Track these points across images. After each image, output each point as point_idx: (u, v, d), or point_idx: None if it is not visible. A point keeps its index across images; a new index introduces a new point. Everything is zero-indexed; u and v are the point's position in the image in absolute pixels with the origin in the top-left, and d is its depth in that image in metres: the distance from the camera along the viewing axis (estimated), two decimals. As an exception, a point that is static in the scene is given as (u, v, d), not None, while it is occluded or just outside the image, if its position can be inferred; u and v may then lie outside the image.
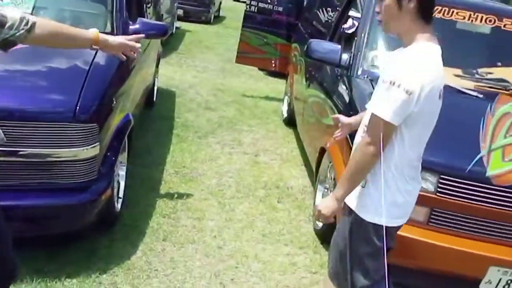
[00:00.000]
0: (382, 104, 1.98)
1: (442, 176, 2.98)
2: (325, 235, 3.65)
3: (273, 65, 7.45)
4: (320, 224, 3.75)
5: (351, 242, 2.28)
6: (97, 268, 2.98)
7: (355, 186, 2.15)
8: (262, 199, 4.23)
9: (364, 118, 2.25)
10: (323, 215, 2.20)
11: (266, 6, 7.08)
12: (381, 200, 2.09)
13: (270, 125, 6.24)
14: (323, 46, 3.90)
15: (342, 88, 3.86)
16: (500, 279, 3.03)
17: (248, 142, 5.51)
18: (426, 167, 2.99)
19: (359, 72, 3.71)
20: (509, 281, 3.04)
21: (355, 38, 3.93)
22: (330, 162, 3.78)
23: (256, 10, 7.09)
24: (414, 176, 2.28)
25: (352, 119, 2.63)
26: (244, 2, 7.36)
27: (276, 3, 7.08)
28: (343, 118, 2.65)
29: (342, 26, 4.26)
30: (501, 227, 3.02)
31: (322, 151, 3.94)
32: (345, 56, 3.84)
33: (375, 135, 2.02)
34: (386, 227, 2.14)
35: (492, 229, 3.03)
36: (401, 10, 2.02)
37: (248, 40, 7.23)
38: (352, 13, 4.54)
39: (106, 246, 3.20)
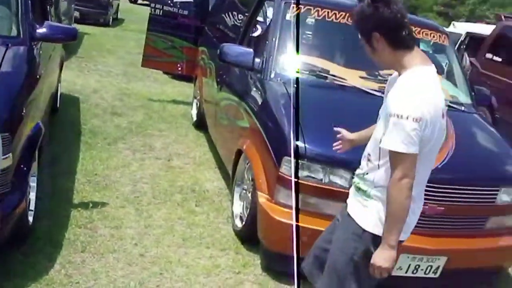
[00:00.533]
0: (396, 138, 2.03)
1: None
2: (245, 235, 3.73)
3: (180, 68, 7.42)
4: (239, 225, 3.81)
5: (348, 253, 2.28)
6: (14, 286, 2.81)
7: (403, 224, 2.14)
8: (180, 203, 4.22)
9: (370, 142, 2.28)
10: (386, 269, 2.16)
11: (171, 9, 7.03)
12: (373, 210, 2.19)
13: (181, 129, 6.21)
14: (236, 50, 3.98)
15: (256, 91, 3.96)
16: (410, 265, 3.28)
17: (159, 147, 5.45)
18: (341, 164, 3.19)
19: (272, 75, 3.83)
20: (417, 266, 3.30)
21: (266, 42, 4.04)
22: (248, 164, 3.86)
23: (161, 14, 7.03)
24: (420, 196, 2.33)
25: (355, 136, 2.62)
26: (142, 4, 7.25)
27: (180, 6, 7.06)
28: (346, 133, 2.63)
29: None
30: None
31: (239, 153, 4.01)
32: (257, 60, 3.94)
33: (403, 168, 2.05)
34: (376, 235, 2.19)
35: (401, 219, 3.27)
36: (377, 50, 2.14)
37: (154, 44, 7.14)
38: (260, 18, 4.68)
39: (21, 262, 3.03)
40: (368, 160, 2.26)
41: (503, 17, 8.21)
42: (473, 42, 8.87)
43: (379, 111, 2.30)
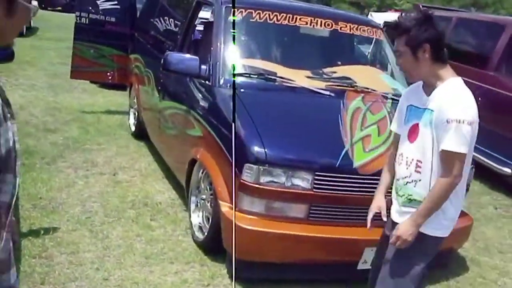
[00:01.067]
0: (458, 141, 2.27)
1: (316, 173, 3.20)
2: (208, 246, 3.66)
3: (110, 77, 7.17)
4: (200, 236, 3.75)
5: (408, 258, 2.50)
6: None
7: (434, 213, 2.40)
8: (134, 219, 4.08)
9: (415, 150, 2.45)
10: (405, 240, 2.40)
11: (97, 17, 6.77)
12: (440, 216, 2.42)
13: (120, 141, 6.02)
14: (181, 58, 3.89)
15: (205, 99, 3.90)
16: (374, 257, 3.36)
17: (102, 162, 5.24)
18: (302, 167, 3.21)
19: (221, 82, 3.78)
20: (380, 258, 3.39)
21: (211, 48, 3.99)
22: (203, 173, 3.80)
23: (87, 22, 6.74)
24: (463, 193, 2.58)
25: (383, 192, 2.76)
26: (54, 10, 6.92)
27: (107, 13, 6.81)
28: (381, 205, 2.71)
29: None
30: (367, 210, 3.34)
31: (192, 162, 3.94)
32: (203, 67, 3.88)
33: (459, 167, 2.32)
34: (438, 237, 2.50)
35: (361, 213, 3.34)
36: (419, 60, 2.33)
37: (82, 54, 6.85)
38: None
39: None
40: (418, 166, 2.43)
41: (420, 6, 8.59)
42: (391, 31, 9.19)
43: (416, 124, 2.45)
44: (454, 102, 2.30)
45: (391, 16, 11.32)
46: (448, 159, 2.32)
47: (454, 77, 2.39)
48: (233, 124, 3.15)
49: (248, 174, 3.20)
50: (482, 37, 6.94)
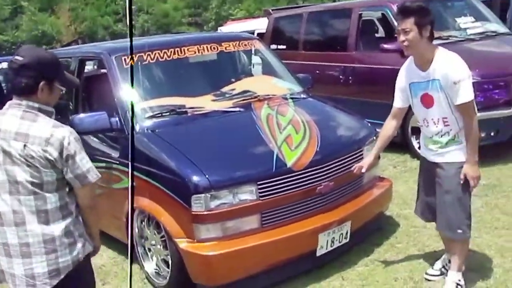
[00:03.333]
0: (468, 92, 3.08)
1: (258, 183, 3.42)
2: (176, 286, 3.68)
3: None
4: (163, 281, 3.75)
5: (458, 188, 3.22)
6: None
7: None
8: None
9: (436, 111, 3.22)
10: (478, 177, 3.21)
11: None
12: (464, 146, 3.20)
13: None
14: (88, 118, 3.84)
15: (126, 149, 3.91)
16: (327, 241, 3.67)
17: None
18: (244, 181, 3.41)
19: (137, 129, 3.82)
20: (333, 239, 3.71)
21: (115, 100, 4.01)
22: (144, 220, 3.80)
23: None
24: None
25: (375, 154, 3.67)
26: None
27: None
28: (367, 162, 3.60)
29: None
30: (311, 201, 3.65)
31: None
32: (113, 119, 3.89)
33: (474, 109, 3.16)
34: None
35: (307, 205, 3.64)
36: (422, 37, 3.08)
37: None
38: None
39: None
40: (444, 121, 3.21)
41: (271, 11, 9.21)
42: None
43: (425, 93, 3.23)
44: (452, 67, 3.09)
45: (245, 26, 11.98)
46: (466, 108, 3.12)
47: (438, 47, 3.19)
48: (129, 163, 3.28)
49: (198, 205, 3.32)
50: (335, 24, 7.65)
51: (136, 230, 3.96)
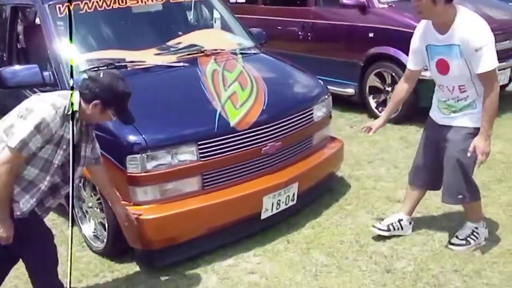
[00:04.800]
0: (489, 61, 2.87)
1: (199, 143, 3.23)
2: (110, 251, 3.50)
3: None
4: (100, 245, 3.56)
5: (462, 154, 3.07)
6: None
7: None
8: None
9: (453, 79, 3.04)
10: (488, 152, 2.99)
11: None
12: (479, 112, 3.02)
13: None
14: (18, 71, 3.55)
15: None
16: (273, 203, 3.55)
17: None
18: (183, 141, 3.22)
19: (71, 83, 3.54)
20: (278, 201, 3.58)
21: (47, 51, 3.71)
22: (80, 181, 3.59)
23: None
24: None
25: (385, 118, 3.47)
26: None
27: None
28: (376, 124, 3.45)
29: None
30: (257, 162, 3.50)
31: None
32: (46, 73, 3.60)
33: (496, 78, 2.96)
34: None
35: (251, 167, 3.48)
36: (436, 4, 2.84)
37: None
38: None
39: None
40: (461, 89, 3.03)
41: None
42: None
43: (441, 59, 3.04)
44: (473, 32, 2.86)
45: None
46: (487, 77, 2.92)
47: (459, 9, 2.92)
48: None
49: (134, 165, 3.12)
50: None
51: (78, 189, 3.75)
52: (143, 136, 3.12)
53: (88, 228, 3.73)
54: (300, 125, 3.73)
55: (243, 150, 3.38)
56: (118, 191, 3.24)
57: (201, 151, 3.24)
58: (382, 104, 6.15)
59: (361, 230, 3.69)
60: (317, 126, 3.96)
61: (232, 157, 3.36)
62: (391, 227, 3.52)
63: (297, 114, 3.72)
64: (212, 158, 3.28)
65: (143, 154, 3.11)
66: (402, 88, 3.38)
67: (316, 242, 3.58)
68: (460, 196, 3.21)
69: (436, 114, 3.29)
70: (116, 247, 3.46)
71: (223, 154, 3.32)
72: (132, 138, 3.12)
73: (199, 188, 3.31)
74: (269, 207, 3.54)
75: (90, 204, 3.65)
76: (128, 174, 3.14)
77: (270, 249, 3.53)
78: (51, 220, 4.25)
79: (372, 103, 6.28)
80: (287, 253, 3.47)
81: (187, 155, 3.23)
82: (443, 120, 3.22)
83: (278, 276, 3.23)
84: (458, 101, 3.11)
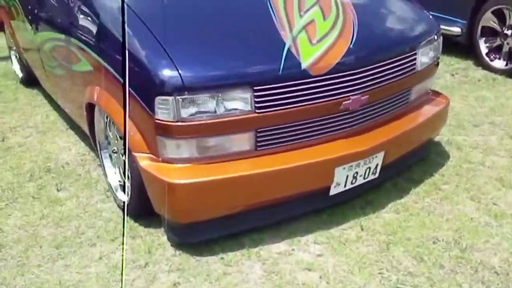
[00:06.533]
0: None
1: (255, 88, 2.32)
2: (135, 209, 2.77)
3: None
4: (124, 199, 2.86)
5: None
6: None
7: None
8: (36, 195, 3.13)
9: None
10: None
11: None
12: None
13: (6, 93, 4.87)
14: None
15: (85, 18, 2.84)
16: (347, 176, 2.64)
17: (-17, 127, 4.15)
18: (234, 83, 2.32)
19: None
20: (355, 174, 2.68)
21: None
22: (107, 118, 2.87)
23: None
24: None
25: None
26: None
27: None
28: None
29: None
30: (332, 120, 2.57)
31: (90, 107, 2.97)
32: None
33: None
34: None
35: (324, 126, 2.56)
36: None
37: None
38: None
39: None
40: None
41: None
42: None
43: None
44: None
45: None
46: None
47: None
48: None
49: (164, 110, 2.28)
50: None
51: (100, 128, 3.02)
52: (180, 71, 2.25)
53: (114, 175, 3.02)
54: (397, 74, 2.73)
55: (316, 103, 2.44)
56: (144, 140, 2.47)
57: (257, 99, 2.33)
58: (496, 50, 5.00)
59: (463, 225, 2.73)
60: (419, 77, 2.94)
61: (300, 111, 2.43)
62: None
63: (395, 59, 2.71)
64: (271, 110, 2.37)
65: (178, 97, 2.24)
66: None
67: (400, 234, 2.67)
68: None
69: None
70: (142, 205, 2.70)
71: (288, 106, 2.39)
72: (164, 73, 2.25)
73: (250, 148, 2.44)
74: (341, 181, 2.64)
75: (115, 149, 2.91)
76: (157, 120, 2.31)
77: (338, 236, 2.66)
78: (81, 154, 3.61)
79: (483, 48, 5.10)
80: (359, 245, 2.60)
81: (239, 103, 2.33)
82: None
83: (343, 280, 2.37)
84: None
